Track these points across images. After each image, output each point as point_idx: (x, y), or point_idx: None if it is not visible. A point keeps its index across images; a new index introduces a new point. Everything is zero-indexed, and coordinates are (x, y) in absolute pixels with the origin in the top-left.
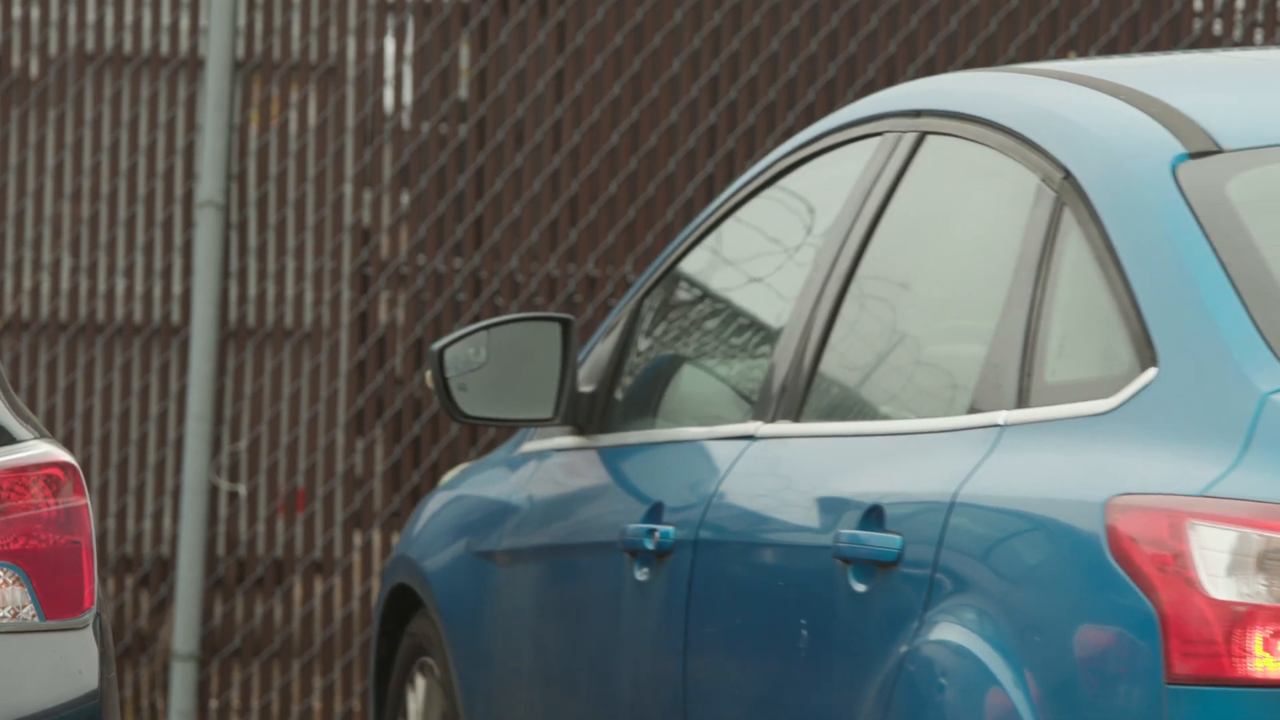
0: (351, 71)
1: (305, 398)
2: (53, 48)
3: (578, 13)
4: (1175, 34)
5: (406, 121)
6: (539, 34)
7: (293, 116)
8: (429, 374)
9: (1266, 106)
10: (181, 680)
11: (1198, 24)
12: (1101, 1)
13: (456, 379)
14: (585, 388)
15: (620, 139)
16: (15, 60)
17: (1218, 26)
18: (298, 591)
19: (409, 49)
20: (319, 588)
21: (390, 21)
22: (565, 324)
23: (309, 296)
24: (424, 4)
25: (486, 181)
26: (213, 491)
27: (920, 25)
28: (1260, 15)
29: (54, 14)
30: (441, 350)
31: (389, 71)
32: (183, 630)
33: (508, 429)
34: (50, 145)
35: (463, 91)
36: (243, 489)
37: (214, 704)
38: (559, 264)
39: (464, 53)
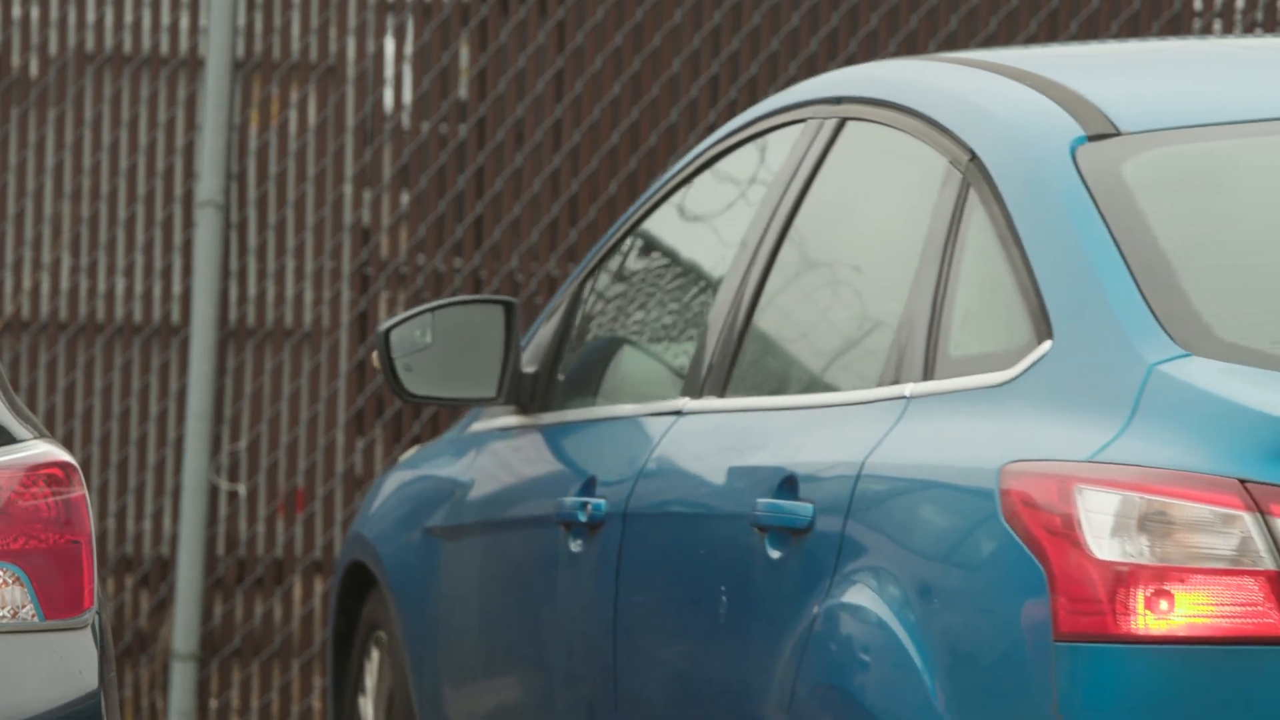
0: (351, 71)
1: (305, 397)
2: (53, 47)
3: (578, 12)
4: (1175, 34)
5: (406, 121)
6: (539, 34)
7: (293, 116)
8: (374, 354)
9: (1166, 92)
10: (181, 680)
11: (1197, 24)
12: (1101, 2)
13: (402, 359)
14: (529, 368)
15: (620, 139)
16: (15, 60)
17: (1217, 26)
18: (298, 591)
19: (409, 49)
20: (319, 587)
21: (390, 21)
22: (508, 306)
23: (309, 296)
24: (424, 4)
25: (486, 181)
26: (213, 491)
27: (920, 25)
28: (1260, 15)
29: (54, 14)
30: (387, 331)
31: (389, 71)
32: (182, 630)
33: (453, 410)
34: (50, 145)
35: (463, 91)
36: (243, 489)
37: (214, 704)
38: (559, 264)
39: (464, 52)
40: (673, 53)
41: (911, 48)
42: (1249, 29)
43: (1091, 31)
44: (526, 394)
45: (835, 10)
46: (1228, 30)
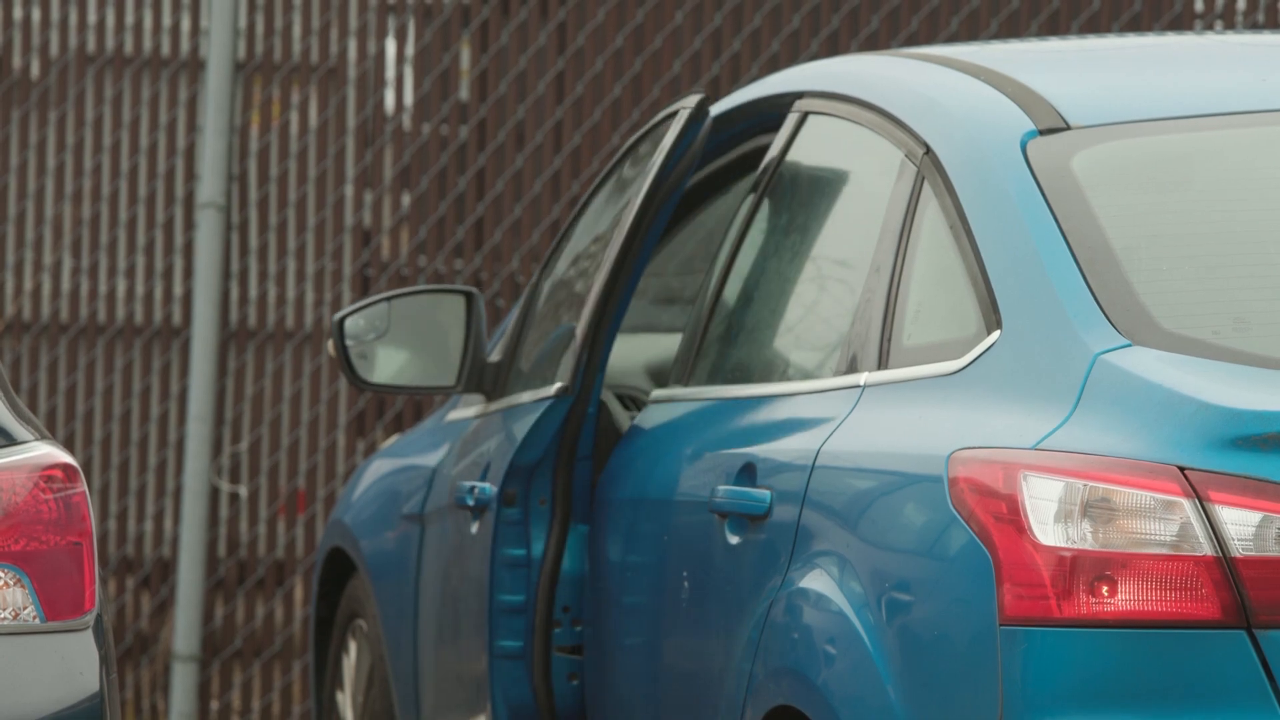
0: (352, 73)
1: (306, 399)
2: (53, 49)
3: (578, 14)
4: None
5: (407, 123)
6: (539, 35)
7: (293, 118)
8: (330, 342)
9: (1116, 87)
10: (182, 681)
11: (1198, 25)
12: (1102, 3)
13: (356, 348)
14: (494, 358)
15: (621, 140)
16: (16, 61)
17: (1218, 28)
18: (298, 593)
19: (410, 50)
20: None
21: (391, 23)
22: (469, 296)
23: (310, 298)
24: (425, 5)
25: (487, 182)
26: (214, 493)
27: (920, 27)
28: (1261, 16)
29: (55, 15)
30: (341, 320)
31: (390, 73)
32: (183, 631)
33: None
34: (51, 146)
35: (463, 93)
36: (244, 490)
37: (215, 705)
38: None
39: (465, 54)
40: (673, 54)
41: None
42: (1250, 30)
43: (1092, 34)
44: (489, 382)
45: (835, 12)
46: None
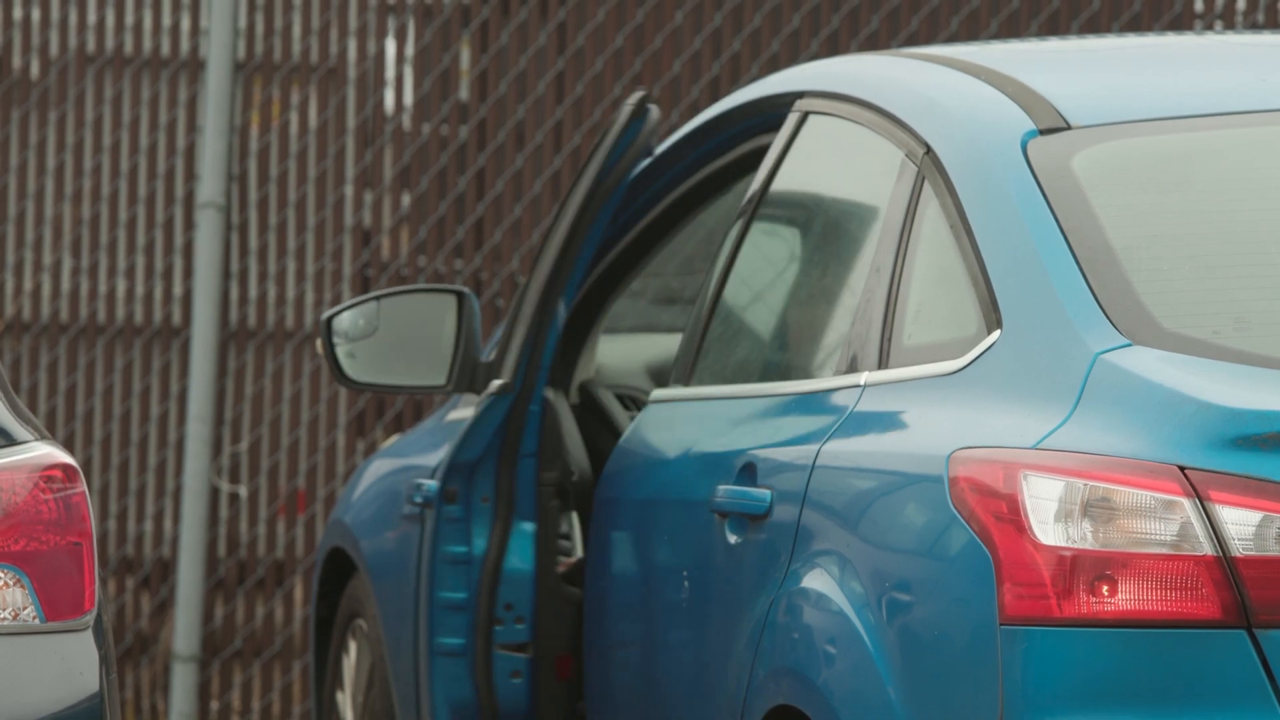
0: (352, 73)
1: (306, 399)
2: (53, 49)
3: (578, 14)
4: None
5: (407, 123)
6: (539, 35)
7: (293, 118)
8: (319, 341)
9: (1116, 86)
10: (182, 681)
11: (1198, 25)
12: (1102, 3)
13: (344, 347)
14: (490, 358)
15: None
16: (16, 61)
17: (1218, 28)
18: (298, 593)
19: (410, 50)
20: None
21: (391, 23)
22: (460, 296)
23: (310, 298)
24: (425, 5)
25: (487, 183)
26: (213, 493)
27: (920, 27)
28: (1261, 16)
29: (54, 15)
30: (329, 319)
31: (390, 73)
32: (183, 631)
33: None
34: (51, 146)
35: (463, 93)
36: (243, 490)
37: (215, 705)
38: None
39: (464, 54)
40: (673, 54)
41: None
42: (1251, 30)
43: (1092, 34)
44: (482, 382)
45: (835, 12)
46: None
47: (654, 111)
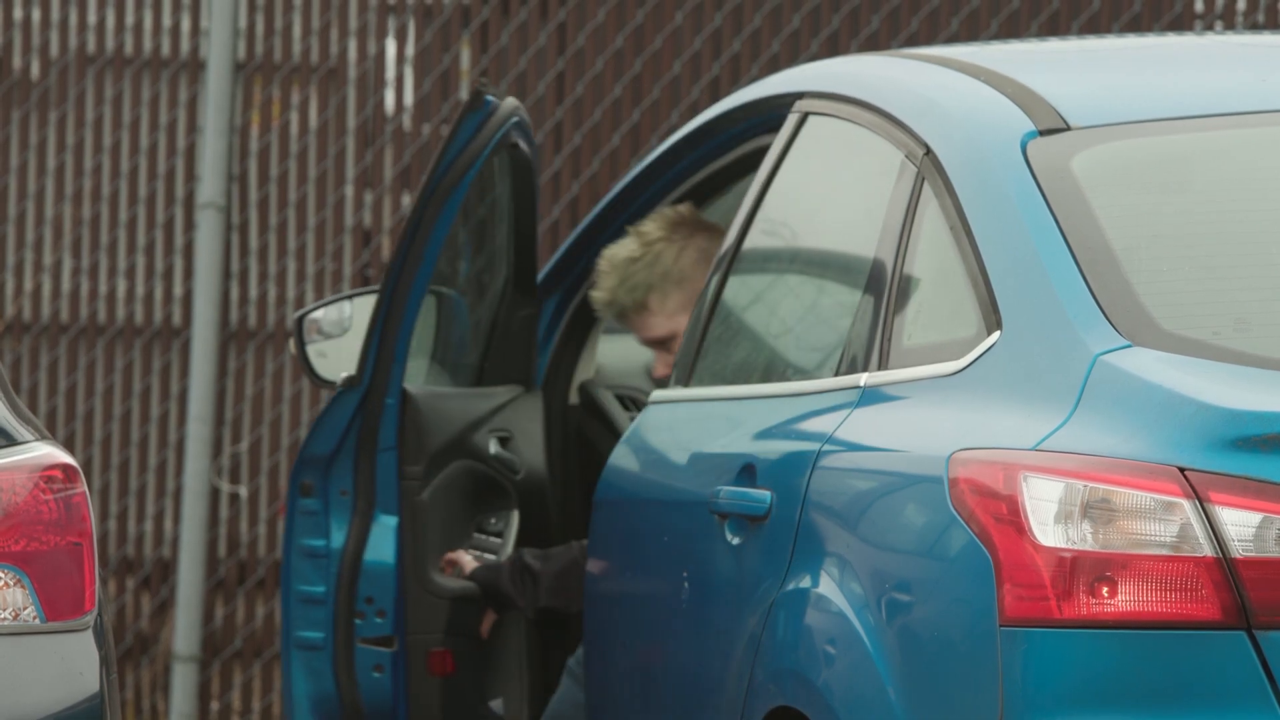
0: (352, 73)
1: (306, 399)
2: (54, 49)
3: (578, 14)
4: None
5: (407, 123)
6: (540, 35)
7: (294, 118)
8: (292, 340)
9: (1116, 87)
10: (182, 682)
11: (1198, 26)
12: (1102, 4)
13: (316, 345)
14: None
15: (621, 140)
16: (16, 62)
17: (1218, 28)
18: None
19: (410, 51)
20: None
21: (391, 23)
22: (437, 295)
23: (310, 298)
24: (425, 6)
25: None
26: (214, 493)
27: (920, 27)
28: (1261, 17)
29: (55, 16)
30: (301, 318)
31: (390, 73)
32: (184, 632)
33: None
34: (51, 147)
35: (463, 93)
36: (244, 490)
37: (215, 705)
38: None
39: (465, 54)
40: (673, 55)
41: None
42: (1251, 31)
43: (1092, 34)
44: (464, 380)
45: (835, 12)
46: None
47: (499, 103)
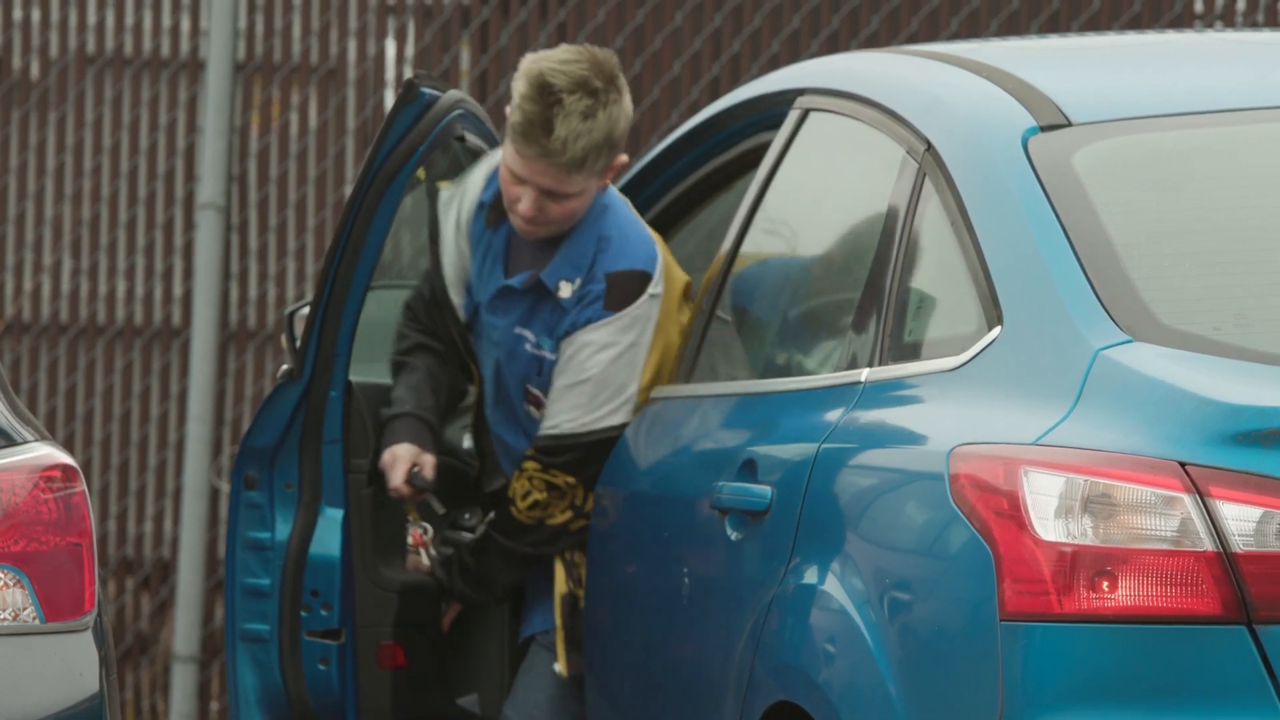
0: (352, 73)
1: None
2: (53, 50)
3: (578, 15)
4: None
5: None
6: (539, 36)
7: (293, 118)
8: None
9: (1117, 84)
10: (182, 682)
11: (1198, 25)
12: (1102, 4)
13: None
14: None
15: None
16: (16, 62)
17: (1218, 27)
18: None
19: (409, 51)
20: None
21: (391, 23)
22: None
23: (310, 298)
24: (425, 6)
25: None
26: (213, 493)
27: (920, 27)
28: (1261, 17)
29: (54, 16)
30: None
31: (390, 73)
32: (183, 632)
33: None
34: (51, 147)
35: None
36: None
37: (215, 706)
38: None
39: (464, 54)
40: (673, 55)
41: None
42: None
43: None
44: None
45: (835, 13)
46: None
47: (438, 95)
